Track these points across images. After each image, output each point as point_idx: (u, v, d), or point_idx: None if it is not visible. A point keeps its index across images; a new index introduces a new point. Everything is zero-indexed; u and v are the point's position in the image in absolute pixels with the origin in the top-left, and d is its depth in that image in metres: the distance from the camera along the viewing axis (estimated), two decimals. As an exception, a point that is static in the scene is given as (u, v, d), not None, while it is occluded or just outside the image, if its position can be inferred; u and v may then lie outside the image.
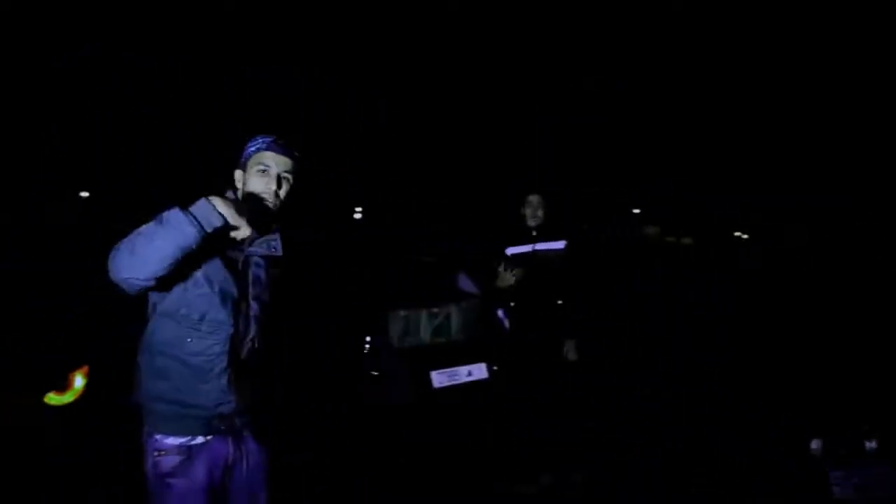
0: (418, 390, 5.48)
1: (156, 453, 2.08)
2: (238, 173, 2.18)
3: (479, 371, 5.76)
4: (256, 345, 2.14)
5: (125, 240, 1.86)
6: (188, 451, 2.08)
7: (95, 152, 20.14)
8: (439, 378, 5.52)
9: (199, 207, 1.84)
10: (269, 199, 2.10)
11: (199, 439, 2.11)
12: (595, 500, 4.30)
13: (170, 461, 2.07)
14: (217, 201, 1.88)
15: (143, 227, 1.85)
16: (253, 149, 2.13)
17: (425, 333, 5.72)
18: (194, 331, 2.02)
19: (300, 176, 2.16)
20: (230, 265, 2.07)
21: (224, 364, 2.06)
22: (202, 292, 2.02)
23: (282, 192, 2.12)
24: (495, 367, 5.66)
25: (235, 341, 2.08)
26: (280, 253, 2.15)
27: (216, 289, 2.03)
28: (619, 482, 4.44)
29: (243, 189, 2.15)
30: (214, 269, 2.04)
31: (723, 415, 5.66)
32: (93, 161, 20.21)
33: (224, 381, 2.06)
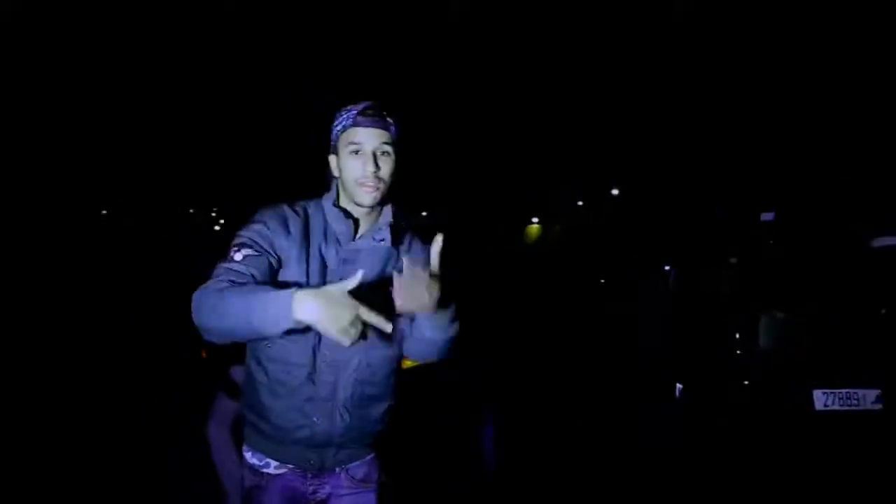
0: (794, 410, 4.51)
1: (247, 466, 1.84)
2: (332, 159, 1.78)
3: (871, 398, 4.48)
4: (360, 365, 1.75)
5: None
6: (262, 478, 1.80)
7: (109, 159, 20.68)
8: (824, 398, 4.44)
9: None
10: (370, 184, 1.69)
11: (272, 466, 1.79)
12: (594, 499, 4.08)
13: (249, 480, 1.82)
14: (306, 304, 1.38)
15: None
16: (339, 127, 1.73)
17: (809, 341, 4.66)
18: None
19: (405, 146, 1.77)
20: (323, 261, 1.73)
21: (303, 378, 1.72)
22: (302, 279, 1.70)
23: (383, 173, 1.70)
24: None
25: (321, 355, 1.72)
26: (388, 243, 1.76)
27: (307, 275, 1.70)
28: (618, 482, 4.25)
29: (341, 177, 1.75)
30: (313, 253, 1.74)
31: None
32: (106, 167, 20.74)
33: (302, 398, 1.73)
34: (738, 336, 4.81)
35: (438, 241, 1.62)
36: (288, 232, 1.70)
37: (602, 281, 8.77)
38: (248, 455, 1.82)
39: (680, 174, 15.63)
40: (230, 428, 3.54)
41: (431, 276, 1.59)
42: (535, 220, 26.46)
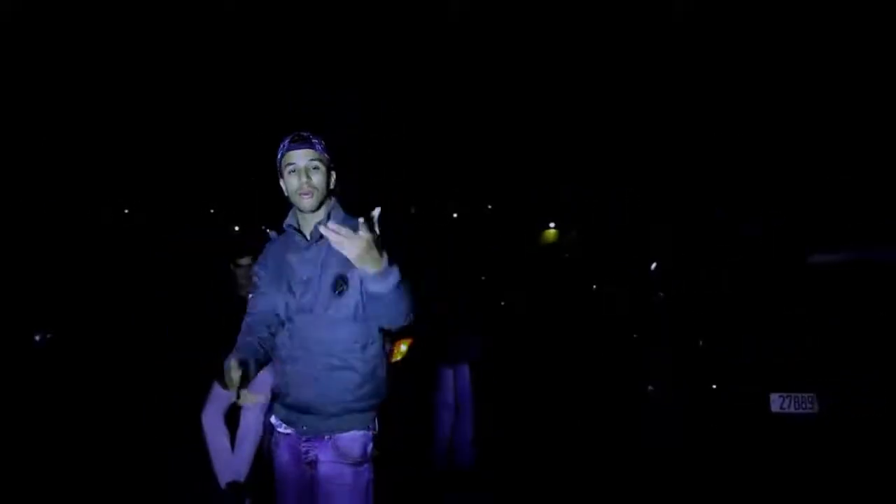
0: (753, 412, 4.76)
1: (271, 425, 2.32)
2: (281, 182, 2.25)
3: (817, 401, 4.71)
4: (321, 341, 2.14)
5: None
6: (277, 435, 2.27)
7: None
8: (780, 401, 4.72)
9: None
10: (305, 192, 2.16)
11: (282, 427, 2.24)
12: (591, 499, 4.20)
13: (274, 436, 2.29)
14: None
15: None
16: (279, 155, 2.21)
17: (768, 346, 4.93)
18: (278, 320, 2.24)
19: (333, 159, 2.23)
20: (290, 268, 2.23)
21: (284, 355, 2.20)
22: (277, 288, 2.24)
23: (315, 182, 2.17)
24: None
25: (299, 336, 2.17)
26: (322, 242, 2.14)
27: (279, 284, 2.23)
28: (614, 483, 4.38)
29: (287, 193, 2.23)
30: (285, 264, 2.25)
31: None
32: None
33: (286, 370, 2.19)
34: (701, 343, 5.12)
35: (377, 211, 1.91)
36: (266, 260, 2.32)
37: (594, 286, 8.99)
38: (271, 417, 2.28)
39: (680, 174, 15.72)
40: (224, 415, 3.92)
41: (361, 235, 1.83)
42: (552, 224, 26.69)
